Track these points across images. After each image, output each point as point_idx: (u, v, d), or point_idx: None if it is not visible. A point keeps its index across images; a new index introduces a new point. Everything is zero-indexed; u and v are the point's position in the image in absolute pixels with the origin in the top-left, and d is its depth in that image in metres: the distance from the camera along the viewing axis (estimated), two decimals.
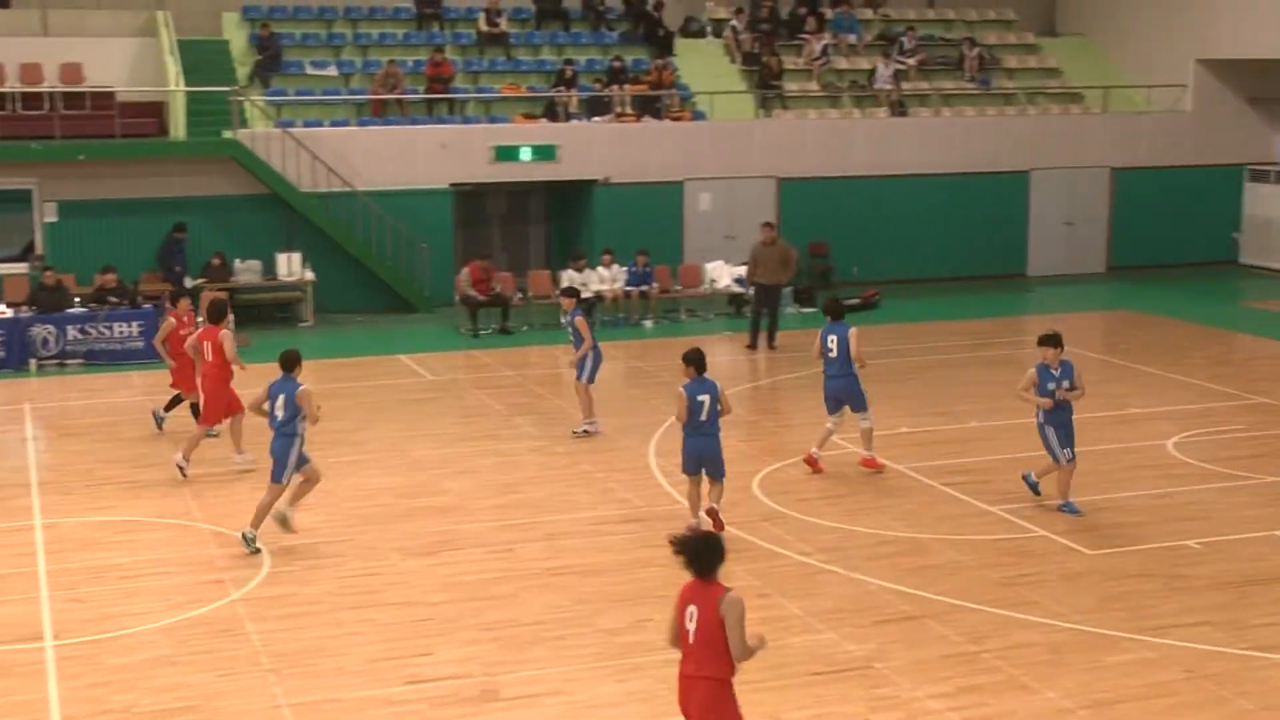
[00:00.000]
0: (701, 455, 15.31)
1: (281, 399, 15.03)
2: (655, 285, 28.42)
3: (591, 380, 19.81)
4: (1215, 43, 34.05)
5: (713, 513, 15.38)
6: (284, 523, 15.11)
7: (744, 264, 27.01)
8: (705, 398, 15.11)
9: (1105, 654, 12.40)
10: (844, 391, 17.62)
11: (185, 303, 20.14)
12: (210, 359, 18.04)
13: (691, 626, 8.88)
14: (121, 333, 24.46)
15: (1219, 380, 22.42)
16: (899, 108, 33.51)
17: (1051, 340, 15.73)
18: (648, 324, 27.82)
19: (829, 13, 35.59)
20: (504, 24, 32.89)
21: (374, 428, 20.25)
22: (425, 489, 17.39)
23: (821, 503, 16.61)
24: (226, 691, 11.74)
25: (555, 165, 30.36)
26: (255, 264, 27.91)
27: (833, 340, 17.57)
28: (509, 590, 14.00)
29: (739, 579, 14.23)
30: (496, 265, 28.85)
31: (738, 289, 28.93)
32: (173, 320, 19.75)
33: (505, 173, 30.23)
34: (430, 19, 32.90)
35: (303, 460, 15.15)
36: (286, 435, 15.00)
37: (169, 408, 20.04)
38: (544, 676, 12.00)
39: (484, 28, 32.68)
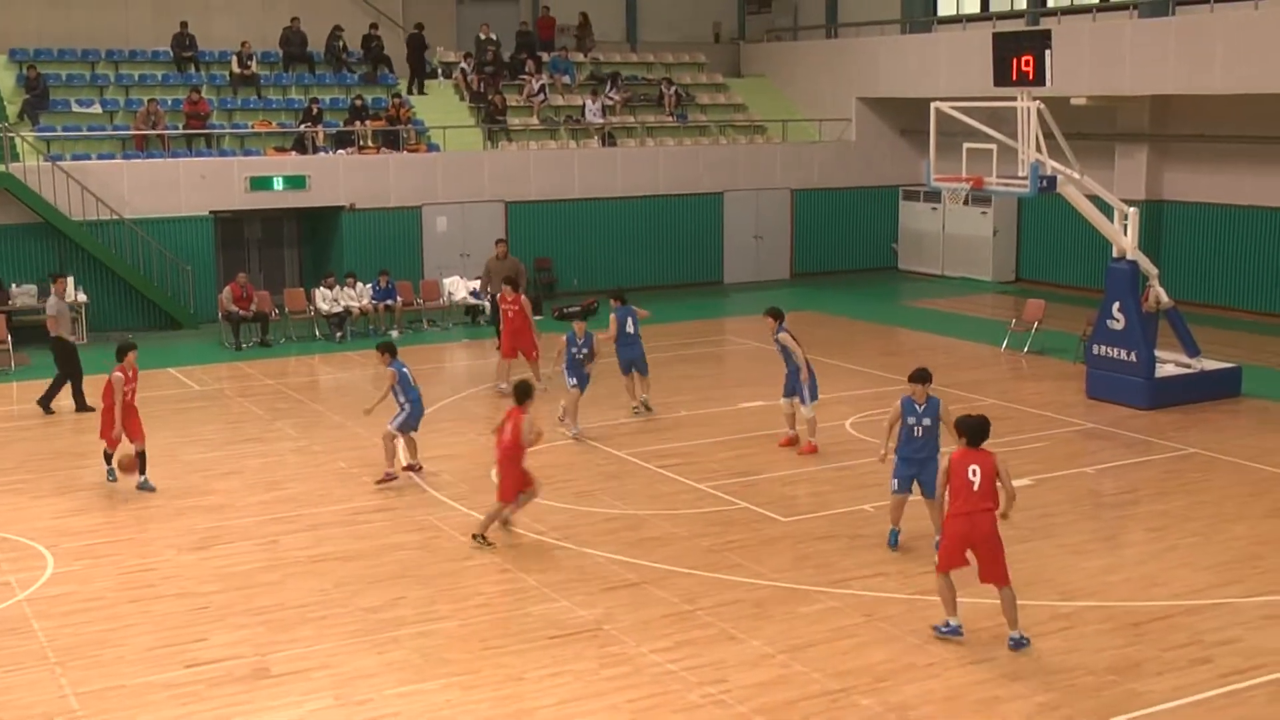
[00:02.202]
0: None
1: (630, 320, 19.90)
2: (399, 299, 28.14)
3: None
4: (873, 84, 35.27)
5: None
6: (648, 407, 20.18)
7: (479, 278, 26.84)
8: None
9: (799, 605, 12.74)
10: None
11: (132, 355, 16.93)
12: (512, 316, 21.72)
13: (975, 479, 11.47)
14: None
15: (885, 368, 23.18)
16: (609, 139, 33.81)
17: (919, 377, 14.03)
18: (394, 334, 27.46)
19: (545, 56, 35.75)
20: (254, 66, 32.09)
21: (147, 435, 19.49)
22: (196, 489, 16.86)
23: (553, 487, 16.61)
24: (16, 685, 11.19)
25: (305, 193, 29.72)
26: (31, 288, 26.65)
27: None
28: (276, 577, 13.69)
29: (482, 555, 14.21)
30: (255, 284, 28.15)
31: (473, 300, 28.83)
32: (120, 375, 16.71)
33: (260, 201, 29.48)
34: (187, 61, 31.89)
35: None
36: (637, 343, 19.95)
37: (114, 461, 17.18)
38: (310, 653, 11.77)
39: (236, 69, 31.83)
